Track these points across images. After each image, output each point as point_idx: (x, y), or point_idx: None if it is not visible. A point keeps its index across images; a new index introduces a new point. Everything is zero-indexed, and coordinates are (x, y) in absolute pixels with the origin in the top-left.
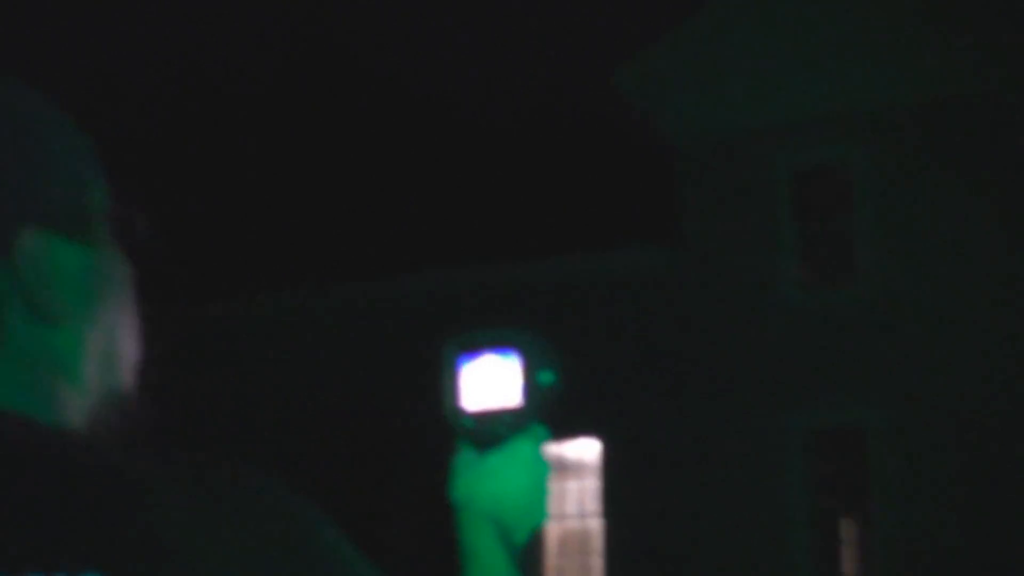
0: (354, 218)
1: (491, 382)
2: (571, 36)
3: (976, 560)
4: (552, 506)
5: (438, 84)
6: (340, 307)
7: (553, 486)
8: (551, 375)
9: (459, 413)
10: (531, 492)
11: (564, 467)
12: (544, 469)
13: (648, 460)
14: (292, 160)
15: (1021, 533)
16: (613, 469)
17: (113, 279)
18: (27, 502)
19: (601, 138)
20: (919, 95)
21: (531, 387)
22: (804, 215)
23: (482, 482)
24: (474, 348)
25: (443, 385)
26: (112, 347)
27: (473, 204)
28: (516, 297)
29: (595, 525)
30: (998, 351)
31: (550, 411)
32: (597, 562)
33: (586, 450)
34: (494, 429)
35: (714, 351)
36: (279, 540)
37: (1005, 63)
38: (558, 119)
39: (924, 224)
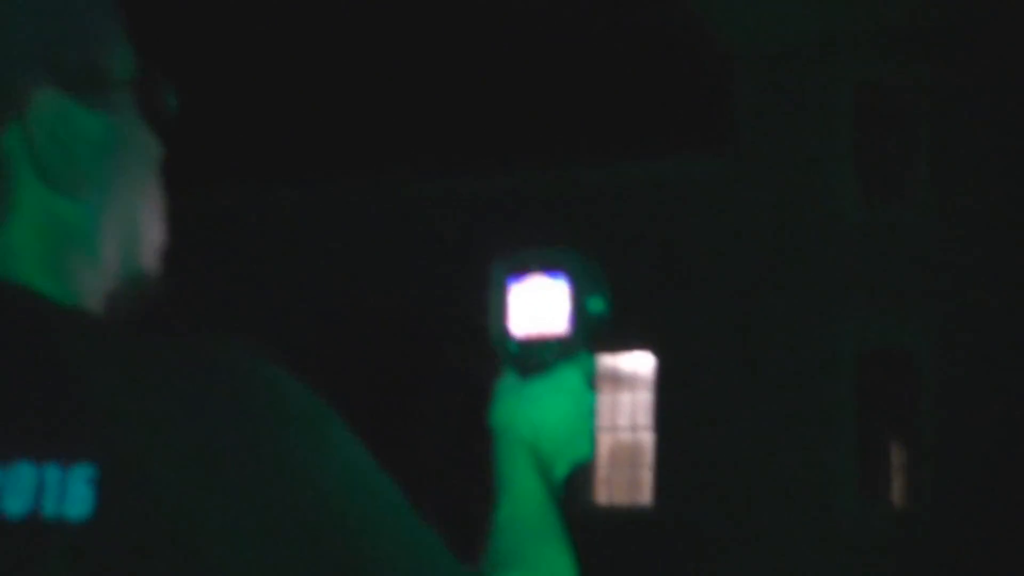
0: (399, 112)
1: (538, 307)
2: None
3: None
4: (605, 418)
5: None
6: (381, 205)
7: (606, 398)
8: (601, 302)
9: (504, 337)
10: (574, 424)
11: (618, 379)
12: (590, 401)
13: (701, 375)
14: (341, 44)
15: None
16: (666, 383)
17: (136, 153)
18: (17, 386)
19: (657, 43)
20: (987, 12)
21: (580, 314)
22: (863, 130)
23: (523, 409)
24: (523, 269)
25: (489, 306)
26: (133, 226)
27: (524, 105)
28: (567, 204)
29: (646, 438)
30: None
31: (599, 339)
32: (647, 475)
33: (640, 363)
34: (539, 356)
35: (768, 266)
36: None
37: None
38: (614, 22)
39: (984, 144)
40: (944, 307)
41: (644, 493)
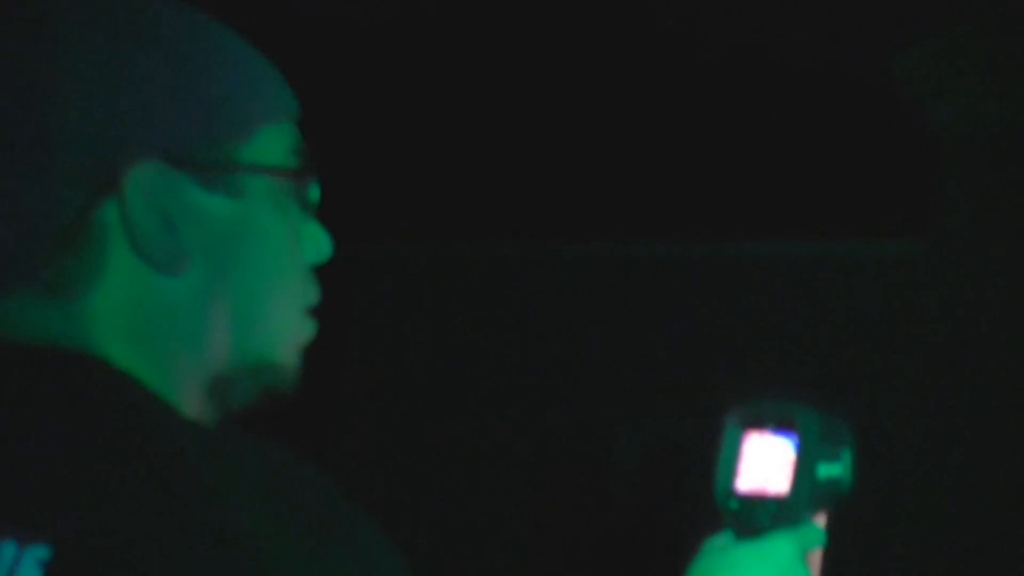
0: (590, 175)
1: (763, 464)
2: (850, 15)
3: None
4: None
5: (702, 39)
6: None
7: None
8: (838, 468)
9: (728, 492)
10: None
11: None
12: None
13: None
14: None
15: None
16: None
17: (263, 236)
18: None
19: (869, 124)
20: None
21: (805, 477)
22: None
23: (723, 571)
24: (756, 423)
25: (719, 457)
26: (252, 311)
27: (728, 177)
28: (754, 284)
29: None
30: None
31: (829, 510)
32: None
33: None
34: (755, 515)
35: (969, 357)
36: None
37: None
38: (827, 99)
39: None
40: None
41: None
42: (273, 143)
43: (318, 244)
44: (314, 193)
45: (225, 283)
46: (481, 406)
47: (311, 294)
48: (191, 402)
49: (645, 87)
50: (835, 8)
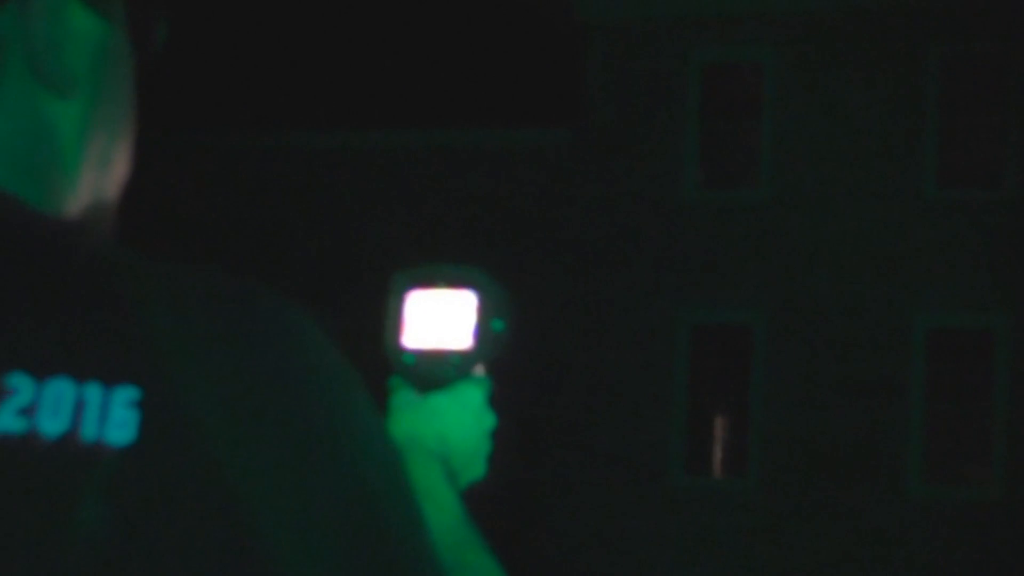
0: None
1: (443, 320)
2: None
3: (847, 461)
4: None
5: None
6: (264, 154)
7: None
8: (503, 324)
9: (401, 349)
10: (477, 443)
11: None
12: (489, 422)
13: (536, 342)
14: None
15: (888, 445)
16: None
17: (124, 68)
18: (45, 298)
19: (513, 14)
20: (834, 1)
21: (484, 332)
22: (710, 112)
23: (427, 421)
24: (427, 283)
25: (387, 316)
26: (112, 146)
27: (381, 70)
28: (412, 166)
29: None
30: (884, 261)
31: (496, 361)
32: None
33: None
34: (439, 370)
35: (607, 238)
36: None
37: None
38: None
39: (824, 130)
40: (781, 285)
41: None
42: None
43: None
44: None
45: (100, 112)
46: None
47: (135, 125)
48: None
49: None
50: None
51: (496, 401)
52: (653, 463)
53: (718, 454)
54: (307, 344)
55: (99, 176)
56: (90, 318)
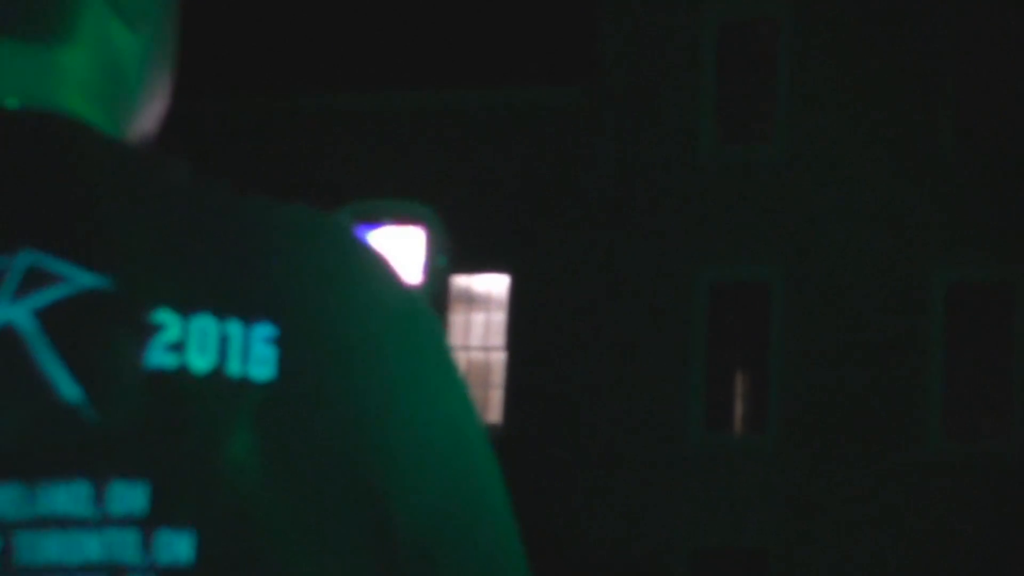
0: (255, 27)
1: (390, 256)
2: None
3: (866, 418)
4: (457, 337)
5: None
6: (240, 119)
7: (459, 318)
8: (446, 259)
9: None
10: None
11: (471, 300)
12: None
13: (556, 299)
14: None
15: (908, 401)
16: (520, 305)
17: (176, 2)
18: (170, 233)
19: None
20: None
21: (431, 267)
22: (727, 70)
23: None
24: (375, 218)
25: None
26: (161, 78)
27: (392, 29)
28: (427, 126)
29: (498, 358)
30: (899, 221)
31: (435, 296)
32: (498, 395)
33: (494, 284)
34: None
35: (627, 195)
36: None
37: None
38: None
39: (841, 87)
40: (798, 243)
41: (494, 412)
42: None
43: None
44: None
45: (160, 44)
46: None
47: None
48: None
49: None
50: None
51: (512, 363)
52: (673, 421)
53: (738, 411)
54: (402, 283)
55: (150, 107)
56: (224, 254)
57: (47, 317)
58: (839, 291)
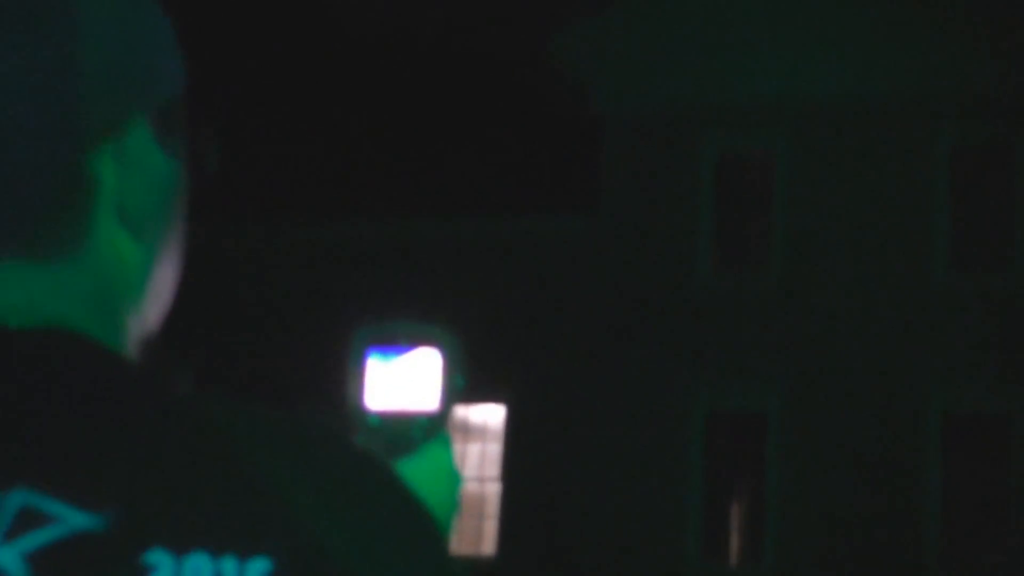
0: (279, 163)
1: (408, 381)
2: (506, 1)
3: (867, 553)
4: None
5: (362, 27)
6: (251, 252)
7: (455, 449)
8: (462, 379)
9: (364, 411)
10: (451, 507)
11: (467, 431)
12: (457, 481)
13: (551, 430)
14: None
15: (906, 530)
16: (516, 435)
17: (182, 202)
18: (176, 467)
19: (530, 104)
20: (845, 92)
21: (449, 391)
22: (724, 200)
23: None
24: (389, 341)
25: (348, 376)
26: (167, 278)
27: (395, 159)
28: (423, 256)
29: (492, 489)
30: (897, 350)
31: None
32: (491, 526)
33: (490, 415)
34: (407, 433)
35: (624, 325)
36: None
37: (927, 71)
38: (489, 81)
39: (837, 220)
40: (796, 373)
41: (488, 543)
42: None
43: None
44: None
45: (165, 251)
46: None
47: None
48: None
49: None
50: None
51: (507, 494)
52: (670, 551)
53: (734, 541)
54: (407, 495)
55: (154, 307)
56: (220, 486)
57: (38, 562)
58: (836, 420)
